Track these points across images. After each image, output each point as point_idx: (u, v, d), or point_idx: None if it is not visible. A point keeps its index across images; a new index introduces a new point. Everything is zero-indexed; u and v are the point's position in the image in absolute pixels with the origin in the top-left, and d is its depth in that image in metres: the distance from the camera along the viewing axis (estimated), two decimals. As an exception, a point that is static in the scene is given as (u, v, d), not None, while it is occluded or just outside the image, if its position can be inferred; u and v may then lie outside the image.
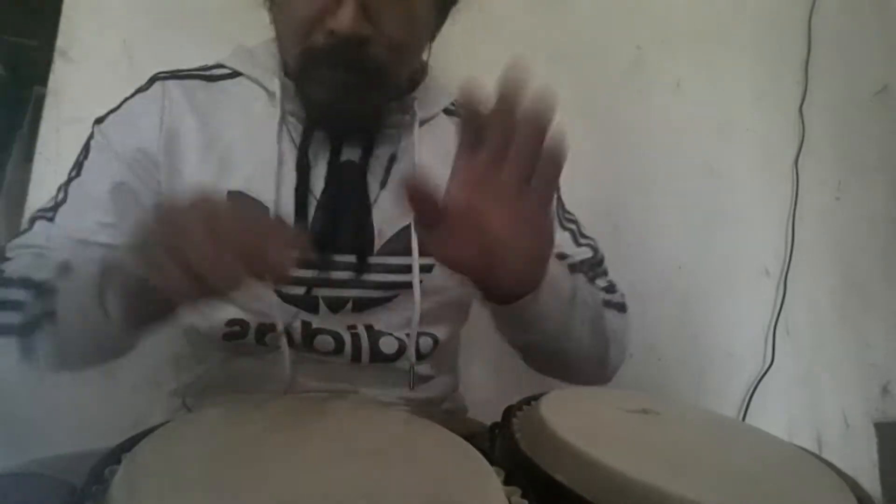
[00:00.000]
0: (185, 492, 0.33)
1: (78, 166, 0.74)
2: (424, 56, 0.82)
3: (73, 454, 0.56)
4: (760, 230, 1.51)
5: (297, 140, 0.75)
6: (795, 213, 1.51)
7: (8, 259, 0.67)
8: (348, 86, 0.69)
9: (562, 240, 0.85)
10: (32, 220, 0.71)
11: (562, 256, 0.79)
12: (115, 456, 0.37)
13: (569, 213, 0.90)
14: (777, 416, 1.46)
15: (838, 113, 1.56)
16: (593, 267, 0.84)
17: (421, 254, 0.76)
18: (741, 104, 1.51)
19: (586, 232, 0.88)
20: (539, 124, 0.47)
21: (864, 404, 1.52)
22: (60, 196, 0.72)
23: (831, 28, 1.56)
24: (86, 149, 0.74)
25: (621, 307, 0.80)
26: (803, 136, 1.53)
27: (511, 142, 0.47)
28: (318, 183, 0.75)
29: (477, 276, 0.56)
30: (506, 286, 0.57)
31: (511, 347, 0.69)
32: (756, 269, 1.50)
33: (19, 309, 0.60)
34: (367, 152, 0.77)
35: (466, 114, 0.48)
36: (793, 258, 1.50)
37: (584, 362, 0.72)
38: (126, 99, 0.77)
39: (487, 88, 0.46)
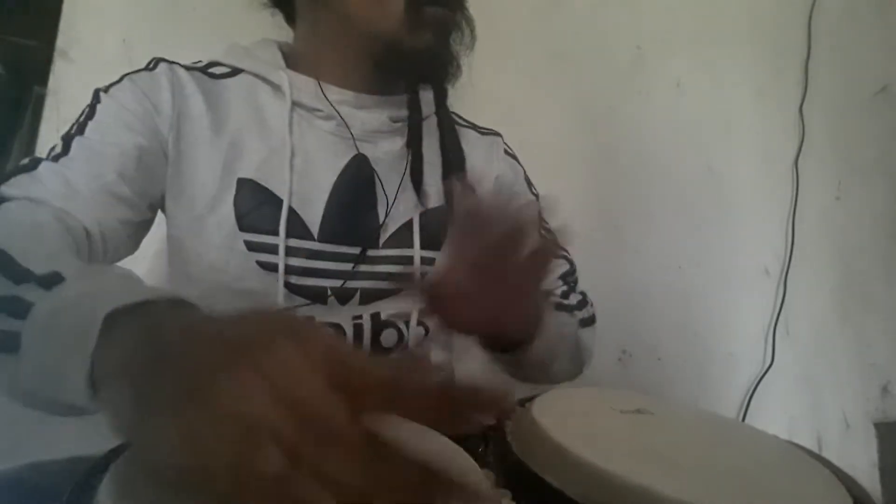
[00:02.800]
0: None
1: (79, 126, 0.68)
2: None
3: (69, 459, 0.56)
4: (760, 230, 1.51)
5: (307, 131, 0.76)
6: (795, 213, 1.51)
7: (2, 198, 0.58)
8: (449, 24, 0.76)
9: None
10: (35, 162, 0.63)
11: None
12: (103, 465, 0.37)
13: (547, 224, 0.93)
14: (777, 416, 1.46)
15: (838, 113, 1.56)
16: (566, 277, 0.91)
17: (423, 247, 0.78)
18: (741, 104, 1.51)
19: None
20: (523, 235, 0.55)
21: (864, 404, 1.52)
22: (57, 150, 0.65)
23: (831, 28, 1.56)
24: (89, 112, 0.69)
25: (591, 320, 0.88)
26: (803, 136, 1.53)
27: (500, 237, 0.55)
28: (328, 175, 0.75)
29: (481, 336, 0.68)
30: (503, 343, 0.68)
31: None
32: (756, 269, 1.50)
33: None
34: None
35: (461, 208, 0.57)
36: (793, 258, 1.50)
37: (563, 375, 0.83)
38: (127, 74, 0.73)
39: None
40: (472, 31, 0.81)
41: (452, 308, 0.61)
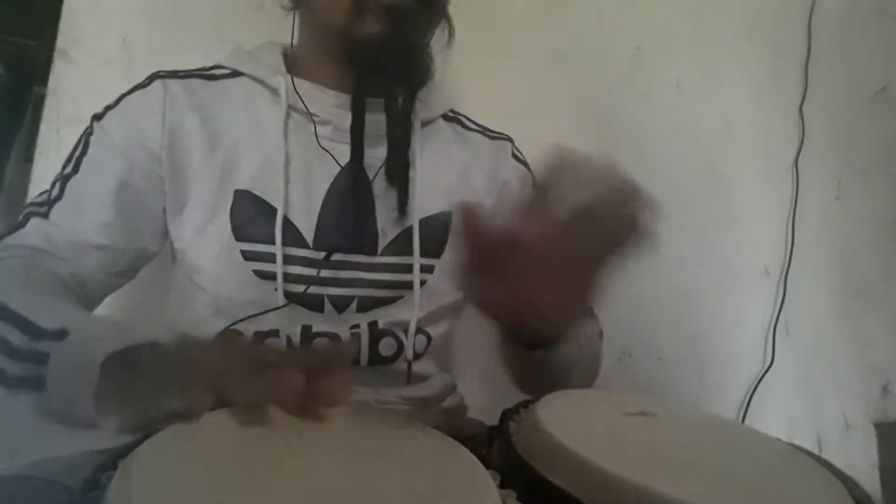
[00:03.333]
0: (181, 498, 0.33)
1: (75, 163, 0.72)
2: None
3: (71, 457, 0.56)
4: (760, 230, 1.51)
5: (303, 138, 0.76)
6: (795, 213, 1.51)
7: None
8: (402, 12, 0.71)
9: None
10: (27, 216, 0.70)
11: None
12: (112, 461, 0.37)
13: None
14: (777, 417, 1.46)
15: (838, 113, 1.56)
16: None
17: (422, 254, 0.77)
18: (741, 104, 1.51)
19: None
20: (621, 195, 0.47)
21: (864, 404, 1.51)
22: (55, 192, 0.71)
23: (831, 28, 1.56)
24: (84, 145, 0.73)
25: (601, 333, 0.82)
26: (803, 136, 1.53)
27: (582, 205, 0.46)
28: (322, 181, 0.75)
29: (507, 322, 0.57)
30: (533, 336, 0.58)
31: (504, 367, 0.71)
32: (756, 269, 1.50)
33: (9, 353, 0.53)
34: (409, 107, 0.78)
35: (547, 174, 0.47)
36: (793, 258, 1.50)
37: (575, 385, 0.72)
38: (124, 95, 0.75)
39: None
40: (443, 16, 0.80)
41: (492, 276, 0.49)
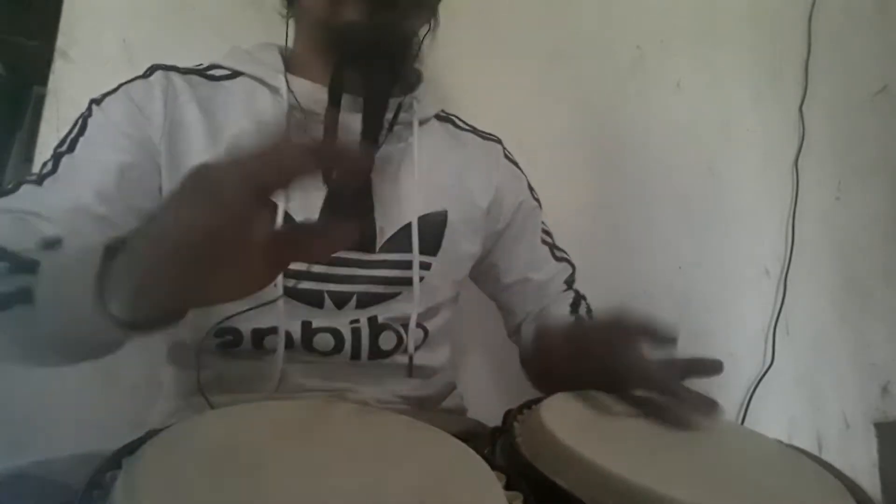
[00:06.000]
0: (186, 497, 0.33)
1: (70, 143, 0.69)
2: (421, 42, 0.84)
3: (73, 456, 0.56)
4: (760, 230, 1.51)
5: (302, 135, 0.76)
6: (795, 213, 1.51)
7: None
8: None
9: (542, 255, 0.92)
10: (17, 185, 0.66)
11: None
12: (116, 460, 0.37)
13: (546, 228, 0.93)
14: (777, 417, 1.46)
15: (838, 113, 1.56)
16: (570, 282, 0.93)
17: (420, 251, 0.78)
18: (741, 104, 1.51)
19: (559, 244, 0.96)
20: None
21: (864, 404, 1.52)
22: (48, 168, 0.67)
23: (831, 28, 1.56)
24: (81, 126, 0.71)
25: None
26: (803, 136, 1.53)
27: None
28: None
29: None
30: None
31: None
32: (756, 269, 1.50)
33: None
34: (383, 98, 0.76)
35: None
36: (793, 258, 1.50)
37: None
38: (123, 83, 0.74)
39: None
40: (431, 5, 0.80)
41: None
